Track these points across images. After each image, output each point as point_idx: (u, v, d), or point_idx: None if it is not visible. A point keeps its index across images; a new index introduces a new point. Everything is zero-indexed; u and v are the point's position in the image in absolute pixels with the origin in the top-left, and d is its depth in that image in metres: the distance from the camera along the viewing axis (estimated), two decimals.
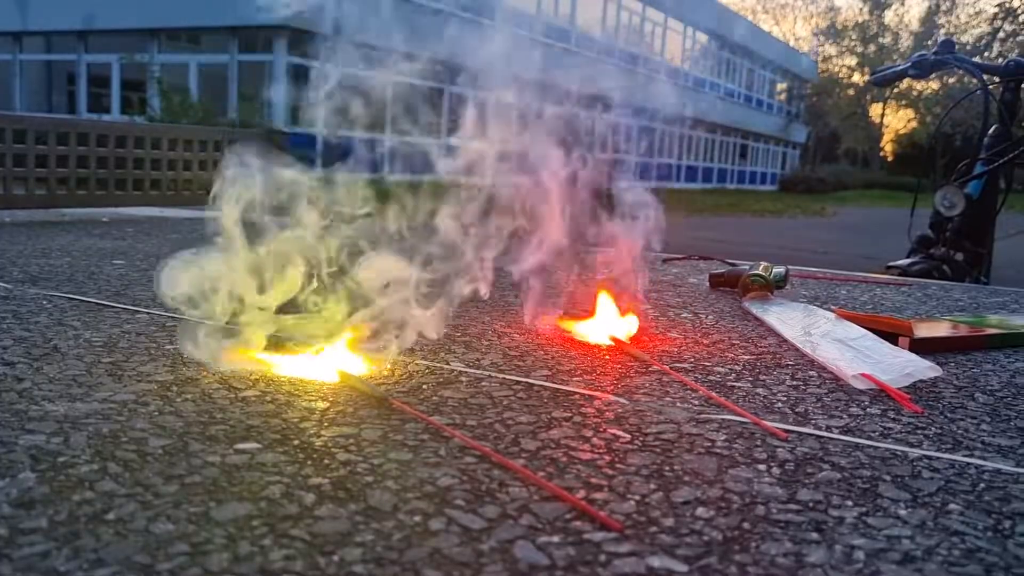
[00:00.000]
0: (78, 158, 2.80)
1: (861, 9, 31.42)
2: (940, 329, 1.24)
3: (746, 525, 0.55)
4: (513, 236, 1.03)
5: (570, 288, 1.12)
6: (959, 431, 0.78)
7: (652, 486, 0.61)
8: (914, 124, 30.94)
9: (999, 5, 27.30)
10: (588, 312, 1.15)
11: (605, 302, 1.13)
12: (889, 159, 34.10)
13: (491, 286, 1.02)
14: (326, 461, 0.63)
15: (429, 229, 0.99)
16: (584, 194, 1.07)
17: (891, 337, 1.12)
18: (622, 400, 0.83)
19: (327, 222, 0.93)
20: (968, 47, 26.20)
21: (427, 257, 0.94)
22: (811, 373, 0.99)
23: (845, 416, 0.81)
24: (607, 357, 1.02)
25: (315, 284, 0.92)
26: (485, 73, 1.08)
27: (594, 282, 1.13)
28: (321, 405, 0.77)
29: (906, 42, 30.00)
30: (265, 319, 0.92)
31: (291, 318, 0.96)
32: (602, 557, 0.50)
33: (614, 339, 1.08)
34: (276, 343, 0.94)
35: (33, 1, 11.89)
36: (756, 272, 1.50)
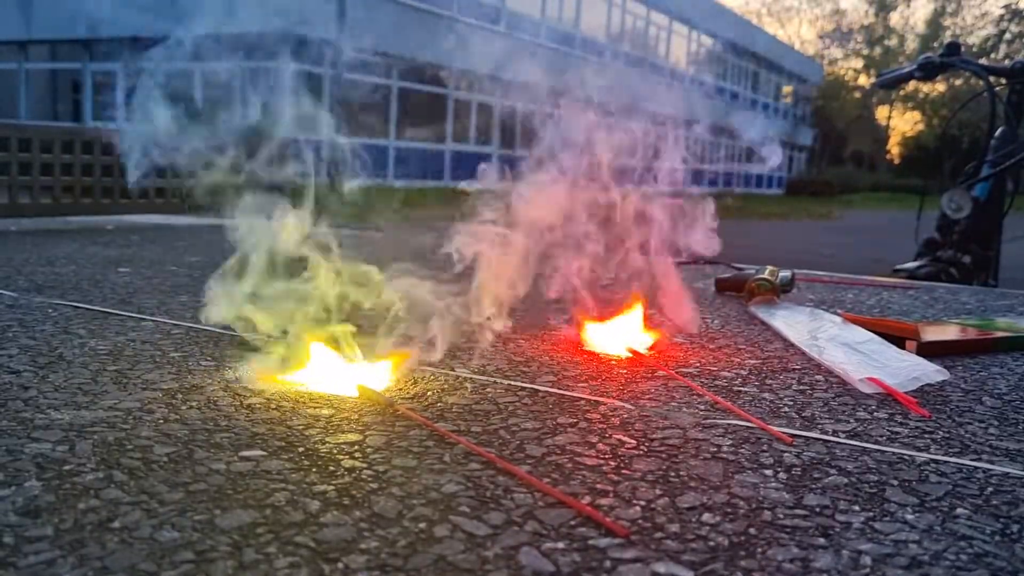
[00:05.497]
0: (83, 166, 2.81)
1: (867, 11, 31.45)
2: (947, 332, 1.23)
3: (752, 530, 0.55)
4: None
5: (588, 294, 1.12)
6: (967, 435, 0.77)
7: (658, 491, 0.61)
8: (920, 127, 30.92)
9: (1005, 7, 27.30)
10: (603, 318, 1.14)
11: (626, 311, 1.12)
12: (896, 162, 34.05)
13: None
14: (331, 468, 0.63)
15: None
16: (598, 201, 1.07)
17: (898, 341, 1.11)
18: (627, 405, 0.83)
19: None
20: (974, 49, 26.17)
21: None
22: (818, 377, 0.98)
23: (852, 420, 0.81)
24: (613, 362, 1.02)
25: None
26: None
27: (616, 290, 1.13)
28: (326, 412, 0.77)
29: (912, 44, 29.98)
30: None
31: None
32: (607, 563, 0.49)
33: (629, 348, 1.07)
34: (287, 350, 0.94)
35: (38, 10, 11.94)
36: (762, 276, 1.50)
